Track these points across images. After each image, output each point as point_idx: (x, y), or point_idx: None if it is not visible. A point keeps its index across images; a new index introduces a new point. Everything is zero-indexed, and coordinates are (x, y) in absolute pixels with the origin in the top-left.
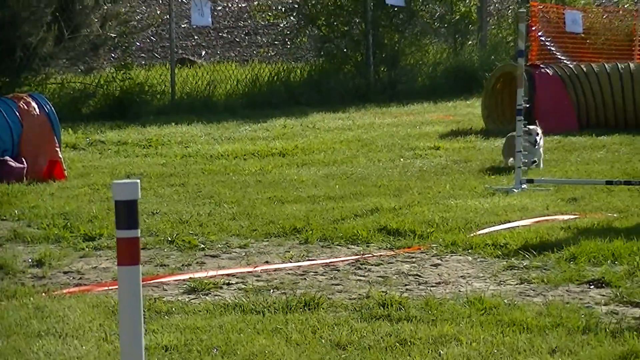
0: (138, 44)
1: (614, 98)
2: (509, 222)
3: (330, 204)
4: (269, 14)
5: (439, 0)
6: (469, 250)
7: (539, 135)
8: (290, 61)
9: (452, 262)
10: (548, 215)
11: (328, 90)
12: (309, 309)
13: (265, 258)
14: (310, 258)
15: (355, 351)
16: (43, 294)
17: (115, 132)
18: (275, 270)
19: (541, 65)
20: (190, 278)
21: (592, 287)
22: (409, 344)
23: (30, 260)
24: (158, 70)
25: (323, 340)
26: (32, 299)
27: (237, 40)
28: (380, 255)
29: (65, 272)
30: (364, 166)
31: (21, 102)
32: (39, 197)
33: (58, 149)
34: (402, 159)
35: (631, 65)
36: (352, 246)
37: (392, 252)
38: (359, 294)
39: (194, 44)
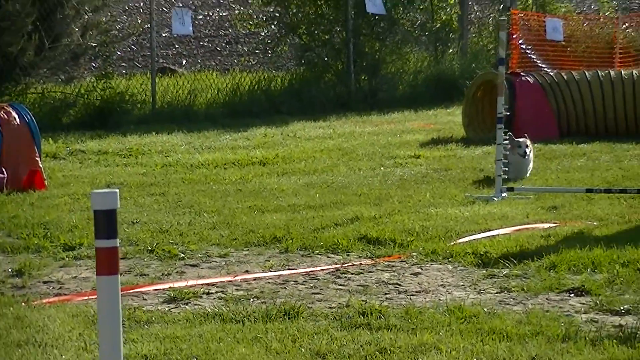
0: (119, 53)
1: (595, 106)
2: (489, 230)
3: (310, 212)
4: (250, 22)
5: (420, 8)
6: (449, 259)
7: (529, 147)
8: (271, 70)
9: (432, 271)
10: (528, 224)
11: (309, 99)
12: (289, 318)
13: (245, 267)
14: (290, 267)
15: None
16: (23, 303)
17: (96, 141)
18: (255, 279)
19: (522, 73)
20: (170, 287)
21: (572, 295)
22: (389, 352)
23: (10, 270)
24: (139, 80)
25: (303, 349)
26: (11, 308)
27: (218, 49)
28: (361, 264)
29: (45, 282)
30: (344, 175)
31: (1, 112)
32: (19, 206)
33: (38, 159)
34: (382, 168)
35: (612, 73)
36: (332, 255)
37: (372, 261)
38: (339, 303)
39: (174, 53)
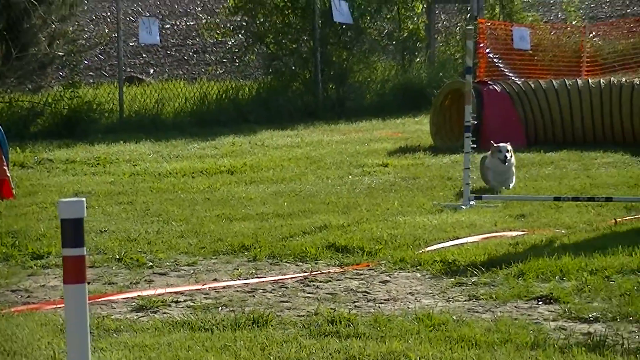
0: (86, 62)
1: (562, 114)
2: (458, 238)
3: (278, 221)
4: (217, 32)
5: (387, 17)
6: (418, 267)
7: (509, 152)
8: (239, 79)
9: (400, 279)
10: (496, 232)
11: (276, 107)
12: (258, 326)
13: (213, 276)
14: (258, 275)
15: None
16: None
17: (64, 150)
18: (223, 287)
19: (489, 82)
20: (138, 296)
21: (540, 303)
22: None
23: None
24: (106, 89)
25: (272, 358)
26: None
27: (186, 58)
28: (329, 272)
29: (13, 291)
30: (312, 183)
31: None
32: None
33: (6, 168)
34: (350, 176)
35: (579, 81)
36: (301, 263)
37: (341, 269)
38: (308, 311)
39: (142, 62)
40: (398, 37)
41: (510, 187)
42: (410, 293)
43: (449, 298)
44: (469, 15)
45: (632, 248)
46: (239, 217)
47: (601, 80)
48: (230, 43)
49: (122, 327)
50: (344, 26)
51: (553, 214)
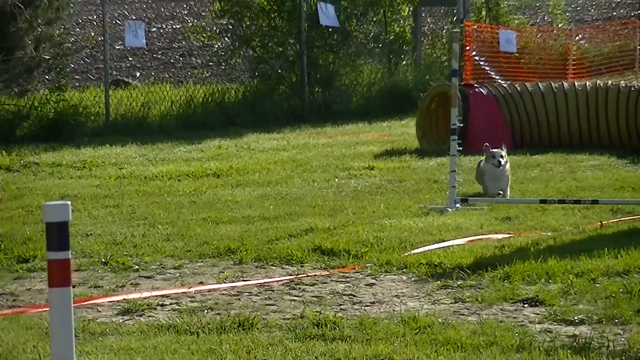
0: (72, 65)
1: (548, 117)
2: (443, 241)
3: (264, 224)
4: (204, 35)
5: (373, 20)
6: (404, 270)
7: (504, 157)
8: (225, 82)
9: (386, 282)
10: (482, 235)
11: (263, 111)
12: (244, 330)
13: (199, 279)
14: (244, 278)
15: None
16: None
17: (50, 153)
18: (209, 290)
19: (475, 85)
20: (124, 299)
21: (526, 305)
22: None
23: None
24: (92, 92)
25: None
26: None
27: (172, 61)
28: (315, 275)
29: None
30: (298, 186)
31: None
32: None
33: None
34: (336, 179)
35: (565, 84)
36: (287, 266)
37: (327, 272)
38: (294, 314)
39: (128, 65)
40: (384, 40)
41: (507, 196)
42: (396, 296)
43: (434, 301)
44: (455, 18)
45: (618, 250)
46: (225, 220)
47: (587, 83)
48: (216, 46)
49: (107, 330)
50: (330, 29)
51: (539, 216)
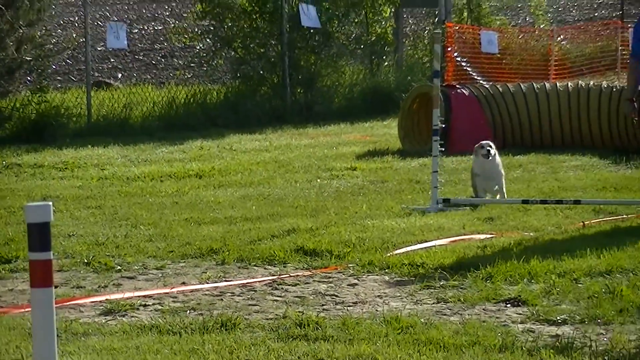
0: (54, 67)
1: (530, 118)
2: (426, 241)
3: (247, 225)
4: (185, 36)
5: (354, 21)
6: (386, 270)
7: (492, 147)
8: (207, 83)
9: (369, 282)
10: (464, 235)
11: (245, 112)
12: (226, 330)
13: (182, 279)
14: (227, 279)
15: None
16: None
17: (32, 155)
18: (192, 291)
19: (457, 86)
20: (106, 299)
21: (508, 305)
22: None
23: None
24: (74, 93)
25: None
26: None
27: (154, 62)
28: (297, 275)
29: None
30: (281, 187)
31: None
32: None
33: None
34: (319, 180)
35: (547, 85)
36: (269, 267)
37: (309, 272)
38: (276, 314)
39: (110, 66)
40: (366, 41)
41: (504, 193)
42: (378, 296)
43: (417, 301)
44: (436, 19)
45: (600, 251)
46: (207, 221)
47: (569, 84)
48: (198, 47)
49: (90, 330)
50: (311, 30)
51: (521, 216)
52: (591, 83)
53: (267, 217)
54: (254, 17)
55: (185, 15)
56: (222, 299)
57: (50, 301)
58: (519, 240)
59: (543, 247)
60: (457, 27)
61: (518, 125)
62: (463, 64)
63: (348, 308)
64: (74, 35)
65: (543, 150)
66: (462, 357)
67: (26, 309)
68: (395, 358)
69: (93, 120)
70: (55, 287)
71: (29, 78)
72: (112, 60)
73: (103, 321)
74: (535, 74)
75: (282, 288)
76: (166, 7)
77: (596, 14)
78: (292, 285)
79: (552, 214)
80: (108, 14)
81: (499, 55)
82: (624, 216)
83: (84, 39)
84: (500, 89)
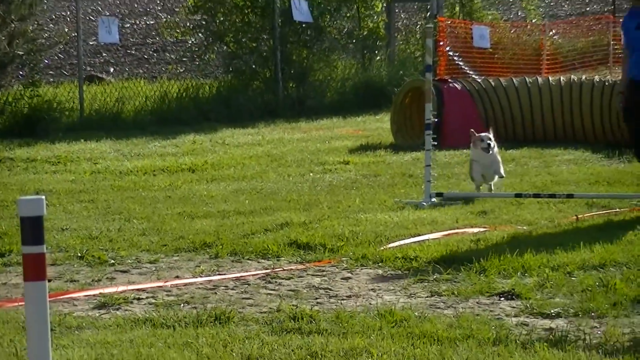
0: (46, 61)
1: (523, 112)
2: (419, 235)
3: (240, 218)
4: (177, 31)
5: (346, 16)
6: (379, 264)
7: (492, 140)
8: (199, 78)
9: (362, 275)
10: (458, 229)
11: (237, 106)
12: (220, 323)
13: (175, 273)
14: (220, 272)
15: None
16: None
17: (24, 149)
18: (185, 284)
19: (449, 80)
20: (100, 293)
21: (502, 299)
22: (320, 356)
23: None
24: (66, 88)
25: (234, 354)
26: None
27: (146, 57)
28: (291, 269)
29: None
30: (273, 181)
31: None
32: None
33: None
34: (311, 174)
35: (539, 79)
36: (263, 260)
37: (303, 266)
38: (270, 308)
39: (102, 61)
40: (358, 36)
41: (503, 173)
42: (372, 289)
43: (410, 294)
44: (428, 13)
45: (594, 244)
46: (200, 215)
47: (561, 78)
48: (190, 42)
49: (84, 324)
50: (303, 25)
51: (514, 210)
52: (583, 77)
53: (260, 211)
54: (246, 11)
55: (177, 9)
56: (215, 293)
57: (44, 295)
58: (513, 234)
59: (536, 241)
60: (449, 22)
61: (510, 120)
62: (455, 58)
63: (342, 301)
64: (66, 29)
65: (536, 145)
66: (455, 350)
67: (20, 303)
68: (389, 351)
69: (85, 114)
70: (49, 280)
71: (21, 72)
72: (104, 54)
73: (97, 315)
74: (527, 68)
75: (275, 282)
76: (158, 2)
77: (588, 9)
78: (286, 279)
79: (545, 208)
80: (100, 8)
81: (491, 50)
82: (617, 210)
83: (76, 34)
84: (493, 83)
